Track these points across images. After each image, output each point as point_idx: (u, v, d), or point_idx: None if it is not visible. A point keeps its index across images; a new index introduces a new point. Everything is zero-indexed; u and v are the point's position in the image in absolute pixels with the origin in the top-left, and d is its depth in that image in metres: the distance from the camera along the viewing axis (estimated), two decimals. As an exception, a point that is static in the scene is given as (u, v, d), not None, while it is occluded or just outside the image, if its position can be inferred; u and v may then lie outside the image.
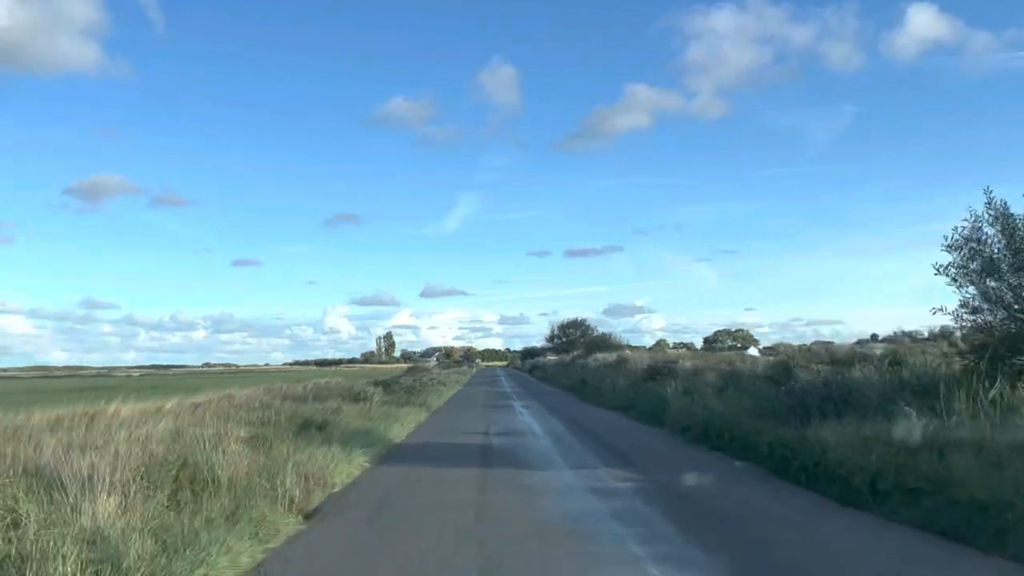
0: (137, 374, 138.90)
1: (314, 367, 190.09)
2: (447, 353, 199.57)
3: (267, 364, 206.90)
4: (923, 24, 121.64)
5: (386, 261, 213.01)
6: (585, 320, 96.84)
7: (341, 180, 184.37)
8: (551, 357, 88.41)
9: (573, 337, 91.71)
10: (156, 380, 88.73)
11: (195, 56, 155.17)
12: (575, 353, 63.53)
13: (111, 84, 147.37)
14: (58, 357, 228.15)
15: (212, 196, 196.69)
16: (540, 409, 26.90)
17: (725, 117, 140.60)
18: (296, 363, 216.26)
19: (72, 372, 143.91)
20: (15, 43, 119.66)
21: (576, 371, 48.10)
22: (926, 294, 31.38)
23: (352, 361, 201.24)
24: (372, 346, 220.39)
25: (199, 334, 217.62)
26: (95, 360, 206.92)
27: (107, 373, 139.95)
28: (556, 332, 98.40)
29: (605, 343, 64.02)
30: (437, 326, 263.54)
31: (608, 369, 36.08)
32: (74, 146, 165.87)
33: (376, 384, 30.21)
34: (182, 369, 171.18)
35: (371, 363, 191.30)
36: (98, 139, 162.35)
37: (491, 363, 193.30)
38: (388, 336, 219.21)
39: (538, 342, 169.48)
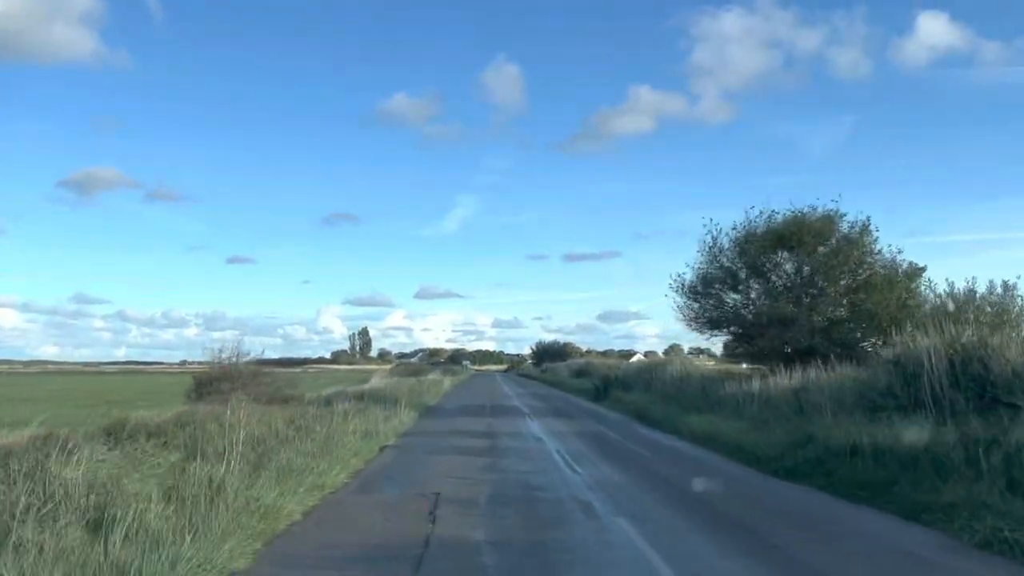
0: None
1: (275, 367, 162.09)
2: (431, 353, 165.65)
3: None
4: (933, 32, 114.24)
5: (382, 262, 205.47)
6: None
7: (339, 178, 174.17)
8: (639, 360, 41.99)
9: (780, 310, 23.33)
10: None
11: (194, 49, 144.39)
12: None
13: (108, 76, 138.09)
14: (48, 352, 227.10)
15: (208, 192, 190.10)
16: None
17: (729, 122, 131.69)
18: (260, 361, 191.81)
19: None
20: (9, 30, 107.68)
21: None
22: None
23: (320, 360, 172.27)
24: (360, 346, 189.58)
25: (191, 331, 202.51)
26: (85, 355, 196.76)
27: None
28: (722, 269, 25.71)
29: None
30: (430, 328, 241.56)
31: None
32: (69, 138, 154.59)
33: None
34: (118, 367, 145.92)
35: (340, 363, 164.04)
36: (94, 131, 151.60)
37: (485, 366, 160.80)
38: (364, 332, 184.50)
39: (547, 340, 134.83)
